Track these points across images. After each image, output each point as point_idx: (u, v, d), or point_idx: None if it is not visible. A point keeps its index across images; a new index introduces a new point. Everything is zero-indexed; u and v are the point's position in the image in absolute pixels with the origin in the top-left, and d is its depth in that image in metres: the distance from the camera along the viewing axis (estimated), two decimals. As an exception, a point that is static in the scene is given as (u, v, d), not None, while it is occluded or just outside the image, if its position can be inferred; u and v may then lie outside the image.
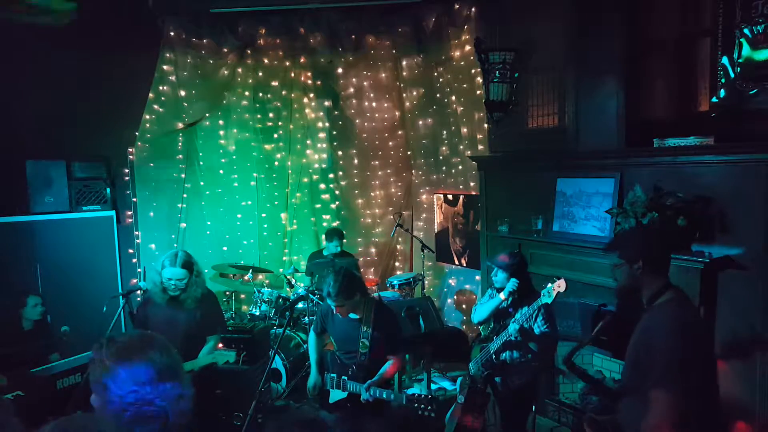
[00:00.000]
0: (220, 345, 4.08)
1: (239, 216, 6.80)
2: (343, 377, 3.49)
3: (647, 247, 2.46)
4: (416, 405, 3.19)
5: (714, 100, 3.64)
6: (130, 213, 6.05)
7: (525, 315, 3.40)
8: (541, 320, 3.52)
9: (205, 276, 3.90)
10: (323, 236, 6.61)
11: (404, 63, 6.73)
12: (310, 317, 5.54)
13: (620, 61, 4.09)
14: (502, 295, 3.60)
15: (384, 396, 3.31)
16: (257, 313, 5.71)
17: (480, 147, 5.73)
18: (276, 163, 6.95)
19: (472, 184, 6.11)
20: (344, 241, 6.19)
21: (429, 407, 3.17)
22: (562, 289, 3.22)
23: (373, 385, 3.34)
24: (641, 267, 2.38)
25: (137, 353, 1.58)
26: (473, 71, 5.69)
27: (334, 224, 7.13)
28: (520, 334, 3.44)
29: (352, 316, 3.44)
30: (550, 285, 3.27)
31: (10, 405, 1.50)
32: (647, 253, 2.42)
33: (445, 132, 6.51)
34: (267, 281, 6.60)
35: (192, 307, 3.67)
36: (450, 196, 6.53)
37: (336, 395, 3.54)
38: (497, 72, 4.74)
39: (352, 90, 6.97)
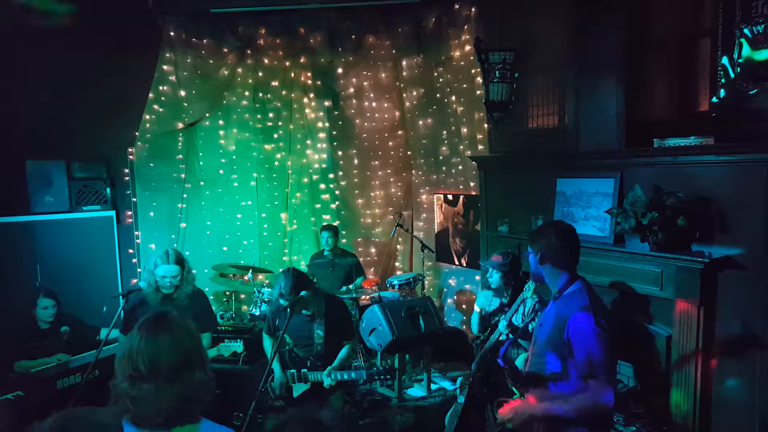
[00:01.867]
0: (217, 345, 4.09)
1: (239, 216, 6.80)
2: (303, 370, 3.63)
3: (545, 245, 2.59)
4: (376, 378, 3.49)
5: (714, 100, 3.63)
6: (130, 213, 6.06)
7: (511, 312, 3.46)
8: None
9: (194, 274, 3.94)
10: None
11: (404, 63, 6.73)
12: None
13: (620, 61, 4.09)
14: (476, 307, 3.84)
15: (345, 377, 3.53)
16: (257, 313, 5.70)
17: (480, 147, 5.73)
18: (276, 163, 6.95)
19: (472, 184, 6.11)
20: (337, 238, 6.17)
21: (387, 377, 3.50)
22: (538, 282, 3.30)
23: (334, 369, 3.55)
24: (540, 259, 2.60)
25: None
26: (473, 71, 5.69)
27: (335, 224, 7.13)
28: (511, 330, 3.47)
29: (304, 312, 3.61)
30: (528, 281, 3.40)
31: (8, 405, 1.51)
32: (543, 249, 2.59)
33: (445, 132, 6.51)
34: (267, 281, 6.60)
35: (184, 303, 3.69)
36: (450, 196, 6.53)
37: (299, 388, 3.67)
38: (497, 72, 4.73)
39: (352, 90, 6.98)
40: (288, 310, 3.60)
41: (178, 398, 1.61)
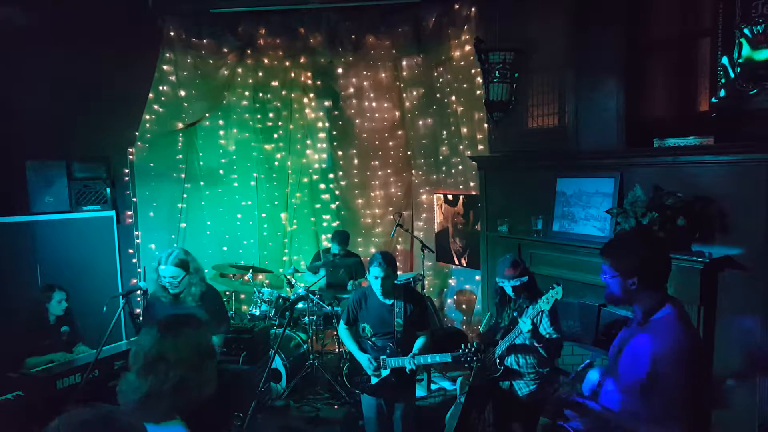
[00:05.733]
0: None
1: (239, 216, 6.80)
2: (382, 357, 3.71)
3: (645, 263, 2.17)
4: (462, 359, 3.48)
5: (714, 100, 3.63)
6: (130, 213, 6.06)
7: (530, 317, 3.38)
8: (547, 322, 3.47)
9: (204, 273, 3.90)
10: (325, 236, 6.62)
11: (404, 63, 6.73)
12: (310, 317, 5.55)
13: (620, 61, 4.09)
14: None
15: (429, 360, 3.61)
16: (257, 313, 5.71)
17: (480, 147, 5.73)
18: (276, 163, 6.96)
19: (472, 184, 6.11)
20: (345, 245, 6.16)
21: (475, 358, 3.48)
22: (559, 296, 3.18)
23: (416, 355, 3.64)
24: (636, 283, 2.16)
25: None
26: (473, 71, 5.69)
27: (335, 224, 7.14)
28: (536, 338, 3.39)
29: (387, 301, 3.73)
30: (549, 292, 3.22)
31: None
32: (644, 269, 2.16)
33: (445, 132, 6.51)
34: (267, 281, 6.60)
35: (193, 305, 3.67)
36: (450, 196, 6.53)
37: (378, 375, 3.75)
38: (497, 72, 4.73)
39: (352, 90, 6.98)
40: (365, 300, 3.78)
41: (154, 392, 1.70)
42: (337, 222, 7.20)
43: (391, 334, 3.73)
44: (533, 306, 3.32)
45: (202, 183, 6.63)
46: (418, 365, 3.60)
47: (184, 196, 6.54)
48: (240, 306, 6.47)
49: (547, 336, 3.46)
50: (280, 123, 6.90)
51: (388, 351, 3.71)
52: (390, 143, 7.20)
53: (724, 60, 3.53)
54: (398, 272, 5.89)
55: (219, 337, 3.86)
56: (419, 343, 3.73)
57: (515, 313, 3.55)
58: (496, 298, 3.82)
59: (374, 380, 3.73)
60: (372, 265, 3.66)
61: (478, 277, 5.97)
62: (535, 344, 3.40)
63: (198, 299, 3.70)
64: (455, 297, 6.60)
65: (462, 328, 6.22)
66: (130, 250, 6.05)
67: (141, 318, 3.78)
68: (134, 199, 6.11)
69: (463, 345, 3.55)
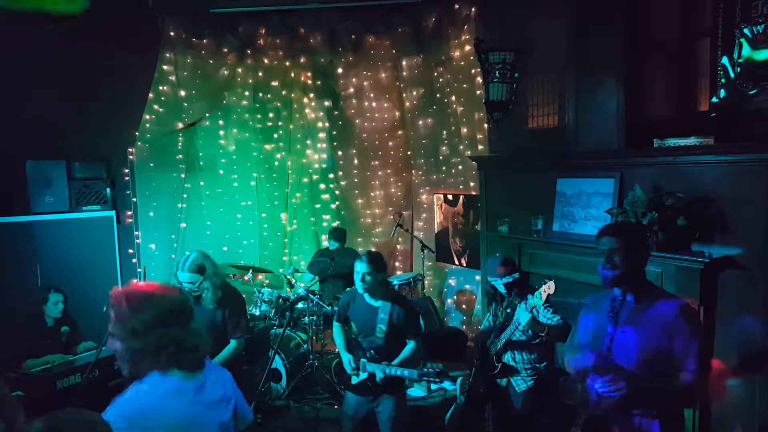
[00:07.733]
0: None
1: (239, 216, 6.80)
2: (362, 360, 3.66)
3: (646, 241, 2.65)
4: (425, 378, 3.43)
5: (714, 100, 3.63)
6: (130, 213, 6.05)
7: (526, 310, 3.39)
8: (545, 311, 3.48)
9: (225, 277, 3.84)
10: (325, 236, 6.61)
11: (404, 63, 6.74)
12: (310, 317, 5.55)
13: (620, 61, 4.09)
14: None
15: (397, 373, 3.50)
16: (257, 313, 5.71)
17: (480, 147, 5.73)
18: (276, 163, 6.96)
19: (472, 184, 6.11)
20: (342, 242, 6.17)
21: (437, 379, 3.44)
22: (552, 290, 3.17)
23: (389, 365, 3.55)
24: (642, 258, 2.51)
25: None
26: (473, 71, 5.69)
27: (335, 224, 7.14)
28: (531, 325, 3.39)
29: (372, 303, 3.64)
30: (541, 287, 3.23)
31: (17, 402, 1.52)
32: (645, 247, 2.55)
33: (445, 132, 6.51)
34: (267, 281, 6.60)
35: (211, 307, 3.64)
36: (450, 196, 6.53)
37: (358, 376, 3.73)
38: (497, 72, 4.73)
39: (352, 90, 6.98)
40: (354, 300, 3.73)
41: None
42: (337, 222, 7.20)
43: (373, 337, 3.65)
44: (526, 302, 3.34)
45: (202, 183, 6.63)
46: (388, 375, 3.49)
47: (184, 196, 6.54)
48: (240, 306, 6.46)
49: (549, 322, 3.47)
50: (280, 123, 6.90)
51: (368, 355, 3.63)
52: (390, 143, 7.20)
53: (724, 60, 3.53)
54: (388, 273, 5.88)
55: (237, 341, 3.78)
56: (406, 350, 3.62)
57: (509, 310, 3.57)
58: (488, 297, 3.83)
59: (355, 380, 3.68)
60: (357, 260, 3.61)
61: (478, 277, 5.98)
62: (539, 333, 3.40)
63: (217, 301, 3.66)
64: (455, 297, 6.60)
65: (462, 328, 6.22)
66: (130, 250, 6.05)
67: None
68: (134, 199, 6.11)
69: (429, 364, 3.54)
